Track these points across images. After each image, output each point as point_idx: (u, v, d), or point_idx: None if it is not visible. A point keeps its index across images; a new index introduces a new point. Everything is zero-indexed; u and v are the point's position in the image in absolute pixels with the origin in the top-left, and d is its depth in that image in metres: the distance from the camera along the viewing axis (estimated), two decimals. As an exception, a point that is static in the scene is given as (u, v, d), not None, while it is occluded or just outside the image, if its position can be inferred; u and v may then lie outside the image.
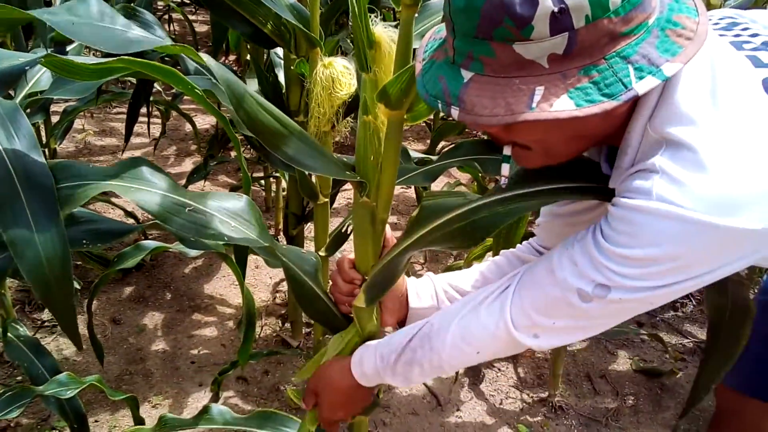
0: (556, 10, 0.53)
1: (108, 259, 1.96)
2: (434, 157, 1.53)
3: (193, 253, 1.46)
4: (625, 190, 0.62)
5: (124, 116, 2.15)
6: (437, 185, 2.43)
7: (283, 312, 2.02)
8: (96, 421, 1.56)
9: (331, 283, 0.92)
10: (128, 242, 2.02)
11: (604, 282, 0.63)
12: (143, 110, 2.17)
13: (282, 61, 1.64)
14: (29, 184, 0.76)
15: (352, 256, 0.88)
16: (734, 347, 0.97)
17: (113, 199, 2.35)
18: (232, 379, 1.73)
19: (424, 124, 3.41)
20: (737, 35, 0.68)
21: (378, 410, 1.66)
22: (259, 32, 1.37)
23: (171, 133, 3.22)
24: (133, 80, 2.49)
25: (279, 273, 2.19)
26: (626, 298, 0.63)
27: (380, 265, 0.83)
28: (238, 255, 1.25)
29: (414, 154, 1.65)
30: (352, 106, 1.23)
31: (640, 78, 0.56)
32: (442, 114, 3.64)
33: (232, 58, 3.81)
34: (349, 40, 2.39)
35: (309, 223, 1.76)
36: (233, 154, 2.87)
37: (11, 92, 1.31)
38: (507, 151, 0.67)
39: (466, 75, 0.59)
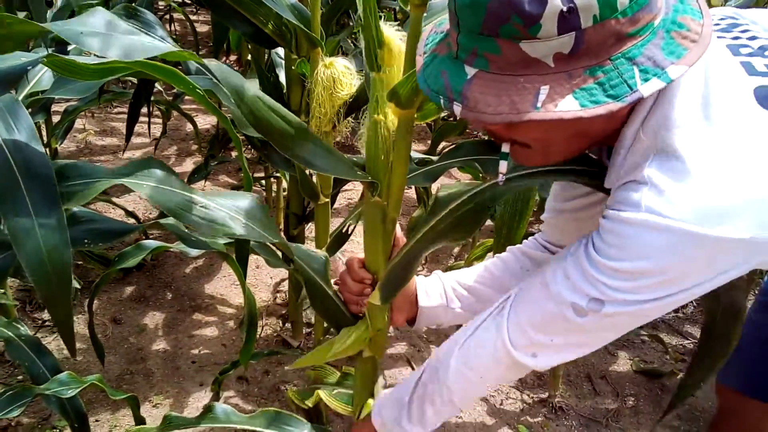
0: (564, 9, 0.53)
1: (109, 258, 1.96)
2: (435, 158, 1.53)
3: (194, 252, 1.46)
4: (616, 202, 0.63)
5: (125, 116, 2.15)
6: (437, 186, 2.43)
7: (283, 312, 2.02)
8: (97, 421, 1.56)
9: (339, 283, 0.92)
10: (129, 242, 2.02)
11: (597, 296, 0.63)
12: (144, 110, 2.17)
13: (283, 61, 1.64)
14: (29, 174, 0.76)
15: (360, 255, 0.88)
16: (725, 348, 0.97)
17: (114, 199, 2.35)
18: (232, 378, 1.73)
19: (425, 125, 3.42)
20: (736, 38, 0.68)
21: (378, 410, 1.66)
22: (260, 32, 1.37)
23: (172, 133, 3.22)
24: (134, 80, 2.49)
25: (279, 273, 2.20)
26: (620, 311, 0.63)
27: (395, 261, 0.83)
28: (239, 254, 1.25)
29: (415, 155, 1.65)
30: (352, 107, 1.23)
31: (646, 80, 0.55)
32: (443, 114, 3.65)
33: (233, 58, 3.82)
34: (350, 41, 2.39)
35: (310, 223, 1.76)
36: (234, 154, 2.87)
37: (13, 91, 1.31)
38: (506, 148, 0.67)
39: (470, 71, 0.58)
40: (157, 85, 2.32)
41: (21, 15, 1.61)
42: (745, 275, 0.64)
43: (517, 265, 0.95)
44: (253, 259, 2.11)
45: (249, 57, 2.36)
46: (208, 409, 1.08)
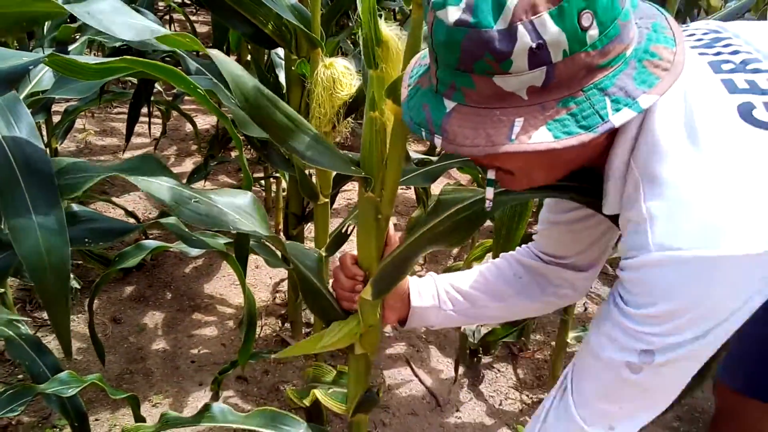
0: (534, 45, 0.54)
1: (109, 258, 1.96)
2: (434, 158, 1.54)
3: (194, 252, 1.46)
4: (627, 251, 0.63)
5: (125, 116, 2.16)
6: (437, 186, 2.43)
7: (283, 312, 2.03)
8: (96, 420, 1.57)
9: (332, 279, 0.93)
10: (129, 242, 2.02)
11: (644, 347, 0.63)
12: (144, 110, 2.18)
13: (283, 62, 1.65)
14: (29, 171, 0.77)
15: (354, 252, 0.89)
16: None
17: (114, 199, 2.35)
18: (231, 378, 1.73)
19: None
20: (718, 53, 0.69)
21: (378, 410, 1.66)
22: (260, 33, 1.37)
23: (171, 133, 3.22)
24: (134, 80, 2.50)
25: (279, 273, 2.20)
26: (671, 357, 0.62)
27: (390, 257, 0.84)
28: (239, 254, 1.26)
29: (414, 155, 1.66)
30: (352, 107, 1.24)
31: (617, 110, 0.57)
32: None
33: (232, 58, 3.82)
34: (349, 41, 2.39)
35: (309, 224, 1.76)
36: (233, 154, 2.87)
37: (14, 91, 1.31)
38: (491, 174, 0.68)
39: (449, 105, 0.60)
40: (156, 85, 2.32)
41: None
42: None
43: (510, 272, 0.95)
44: (253, 259, 2.11)
45: (249, 57, 2.36)
46: (205, 409, 1.08)
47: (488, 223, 2.41)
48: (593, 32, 0.55)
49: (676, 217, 0.58)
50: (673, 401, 0.69)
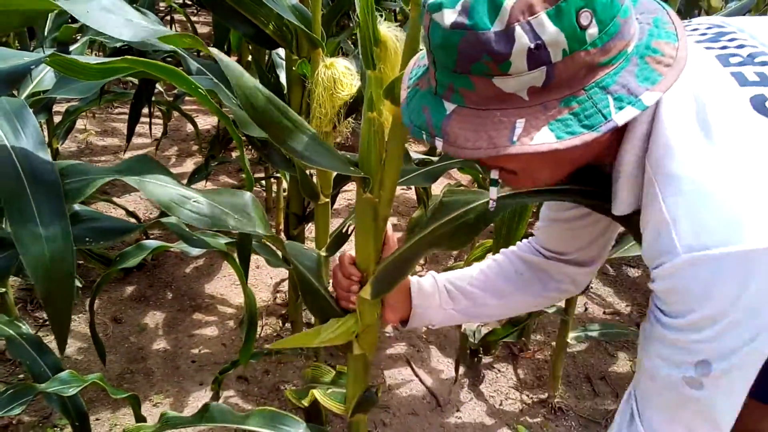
0: (532, 46, 0.53)
1: (110, 258, 1.97)
2: (435, 158, 1.54)
3: (195, 252, 1.46)
4: (654, 260, 0.61)
5: (126, 116, 2.16)
6: (438, 186, 2.43)
7: (283, 312, 2.03)
8: (97, 420, 1.57)
9: (331, 278, 0.93)
10: (130, 242, 2.02)
11: (699, 358, 0.60)
12: (145, 110, 2.18)
13: (283, 62, 1.65)
14: (36, 180, 0.77)
15: (354, 252, 0.89)
16: None
17: (115, 199, 2.36)
18: (232, 378, 1.74)
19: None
20: (724, 47, 0.68)
21: (378, 410, 1.67)
22: (261, 33, 1.37)
23: (172, 134, 3.23)
24: (135, 81, 2.50)
25: (280, 273, 2.20)
26: (729, 364, 0.60)
27: (391, 258, 0.84)
28: (241, 254, 1.26)
29: (415, 155, 1.66)
30: (353, 107, 1.24)
31: (620, 108, 0.56)
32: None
33: (233, 59, 3.82)
34: (350, 42, 2.39)
35: (310, 224, 1.76)
36: (234, 154, 2.87)
37: (15, 91, 1.32)
38: (494, 174, 0.67)
39: (449, 107, 0.59)
40: (157, 85, 2.33)
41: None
42: None
43: (511, 268, 0.95)
44: (254, 259, 2.10)
45: (250, 58, 2.37)
46: (205, 409, 1.09)
47: (489, 223, 2.41)
48: (593, 30, 0.55)
49: (698, 214, 0.57)
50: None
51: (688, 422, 0.66)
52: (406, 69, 0.69)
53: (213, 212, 0.85)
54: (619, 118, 0.56)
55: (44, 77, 1.30)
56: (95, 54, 3.32)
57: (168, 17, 4.27)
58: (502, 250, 1.00)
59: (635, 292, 2.29)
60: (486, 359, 1.89)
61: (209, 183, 2.74)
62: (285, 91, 1.58)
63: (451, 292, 0.94)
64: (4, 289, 1.47)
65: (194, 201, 0.83)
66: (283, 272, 2.16)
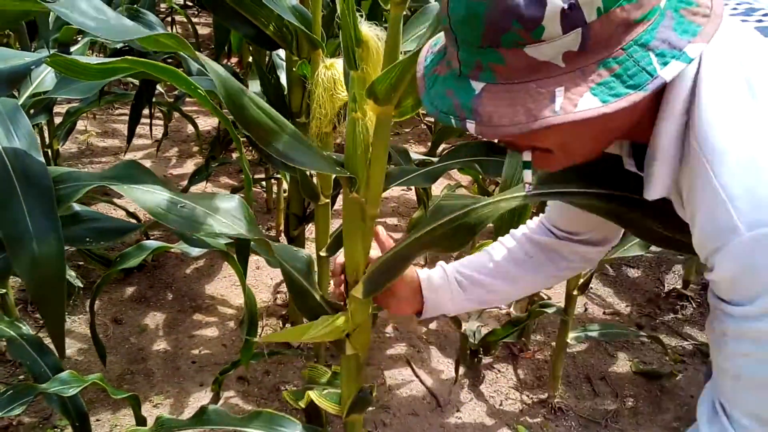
0: (565, 6, 0.50)
1: (110, 259, 1.97)
2: (435, 159, 1.54)
3: (195, 252, 1.47)
4: (709, 244, 0.57)
5: (127, 118, 2.16)
6: (438, 187, 2.43)
7: (284, 312, 2.03)
8: (98, 420, 1.57)
9: (332, 282, 0.93)
10: (130, 242, 2.03)
11: None
12: (145, 112, 2.18)
13: (284, 63, 1.65)
14: (28, 183, 0.77)
15: None
16: None
17: (115, 200, 2.36)
18: (232, 379, 1.74)
19: (425, 126, 3.42)
20: (759, 20, 0.65)
21: (378, 411, 1.67)
22: (262, 34, 1.38)
23: (173, 135, 3.23)
24: (136, 81, 2.50)
25: (280, 274, 2.20)
26: None
27: (384, 258, 0.84)
28: (240, 254, 1.26)
29: (415, 156, 1.67)
30: (353, 108, 1.24)
31: (664, 64, 0.53)
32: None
33: (234, 59, 3.83)
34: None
35: (310, 224, 1.77)
36: (234, 155, 2.88)
37: (16, 92, 1.32)
38: (527, 156, 0.63)
39: (477, 86, 0.56)
40: (158, 86, 2.33)
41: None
42: None
43: (521, 252, 0.93)
44: (254, 260, 2.11)
45: (250, 59, 2.37)
46: (201, 412, 1.09)
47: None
48: None
49: (757, 189, 0.53)
50: None
51: None
52: (419, 57, 0.66)
53: (200, 216, 0.85)
54: (666, 73, 0.52)
55: (45, 78, 1.30)
56: (96, 55, 3.32)
57: (169, 18, 4.27)
58: (511, 231, 0.97)
59: (635, 293, 2.29)
60: (486, 359, 1.89)
61: (210, 184, 2.74)
62: (285, 92, 1.58)
63: (461, 282, 0.93)
64: (4, 290, 1.47)
65: (181, 206, 0.83)
66: (284, 273, 2.16)
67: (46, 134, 2.12)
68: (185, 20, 3.47)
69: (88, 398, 1.61)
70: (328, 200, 1.48)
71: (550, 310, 1.65)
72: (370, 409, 1.65)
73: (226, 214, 0.88)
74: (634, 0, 0.53)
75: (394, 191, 2.76)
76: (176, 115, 2.98)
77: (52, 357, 1.25)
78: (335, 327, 0.89)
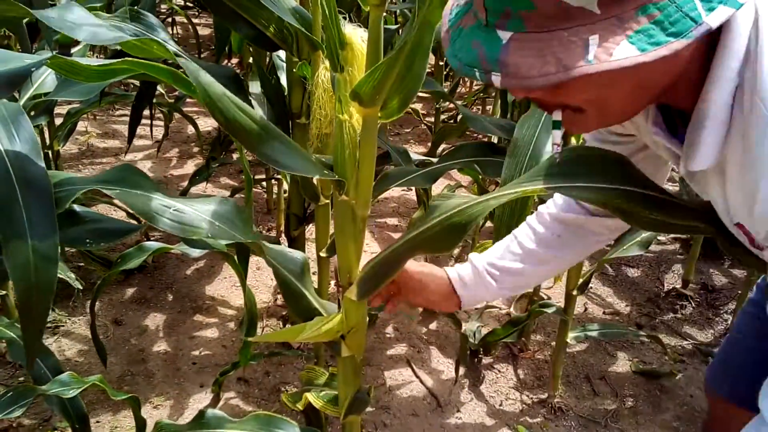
0: None
1: (110, 260, 1.97)
2: (435, 159, 1.54)
3: (195, 253, 1.47)
4: None
5: (127, 118, 2.17)
6: (438, 187, 2.43)
7: (284, 313, 2.03)
8: (98, 422, 1.57)
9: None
10: (130, 243, 2.03)
11: None
12: (146, 112, 2.19)
13: (284, 64, 1.66)
14: (28, 187, 0.77)
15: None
16: None
17: (116, 201, 2.36)
18: (233, 380, 1.74)
19: (425, 127, 3.43)
20: None
21: (378, 411, 1.67)
22: (262, 35, 1.38)
23: (173, 135, 3.23)
24: (136, 82, 2.51)
25: (280, 274, 2.20)
26: None
27: (377, 259, 0.84)
28: (241, 255, 1.26)
29: (415, 156, 1.67)
30: (353, 109, 1.24)
31: (710, 10, 0.49)
32: (443, 117, 3.65)
33: (234, 60, 3.83)
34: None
35: (310, 224, 1.77)
36: (235, 156, 2.88)
37: (16, 94, 1.32)
38: (557, 116, 0.60)
39: (504, 35, 0.52)
40: (159, 87, 2.33)
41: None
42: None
43: (549, 234, 0.92)
44: (254, 261, 2.11)
45: (251, 60, 2.37)
46: (200, 416, 1.09)
47: (488, 224, 2.41)
48: None
49: None
50: None
51: None
52: (444, 11, 0.62)
53: (194, 220, 0.85)
54: (712, 19, 0.49)
55: (46, 80, 1.30)
56: (96, 56, 3.32)
57: (169, 19, 4.28)
58: (538, 210, 0.95)
59: (634, 292, 2.29)
60: (486, 360, 1.90)
61: (210, 184, 2.74)
62: (286, 93, 1.58)
63: (493, 274, 0.93)
64: (4, 292, 1.47)
65: (174, 210, 0.83)
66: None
67: (46, 135, 2.12)
68: (186, 21, 3.47)
69: (88, 400, 1.61)
70: (328, 201, 1.49)
71: (549, 310, 1.65)
72: (370, 409, 1.65)
73: (220, 218, 0.88)
74: None
75: (395, 192, 2.76)
76: (177, 115, 2.98)
77: (52, 359, 1.25)
78: (330, 328, 0.89)
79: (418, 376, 1.82)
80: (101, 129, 3.29)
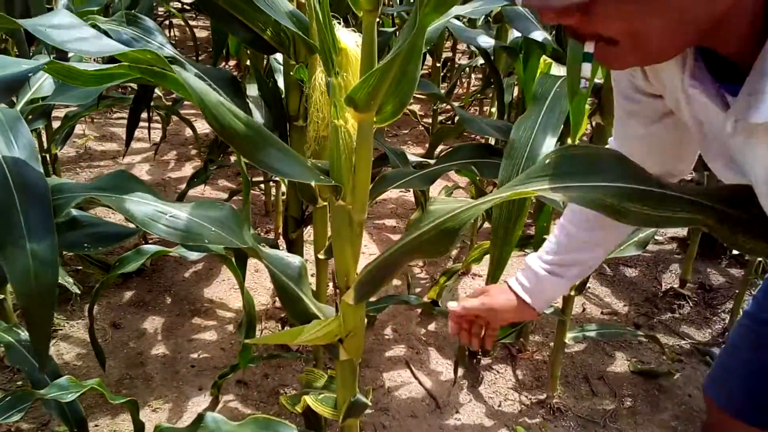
0: None
1: (108, 263, 1.97)
2: (432, 161, 1.55)
3: (194, 256, 1.47)
4: None
5: (125, 121, 2.16)
6: (435, 188, 2.44)
7: (282, 315, 2.03)
8: (96, 426, 1.57)
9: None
10: (128, 246, 2.03)
11: None
12: (144, 115, 2.19)
13: (281, 67, 1.66)
14: (26, 193, 0.77)
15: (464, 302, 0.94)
16: None
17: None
18: (231, 382, 1.74)
19: (423, 128, 3.43)
20: None
21: (377, 413, 1.67)
22: (259, 38, 1.38)
23: (171, 138, 3.23)
24: (134, 85, 2.51)
25: (278, 277, 2.20)
26: None
27: (374, 264, 0.84)
28: (239, 258, 1.27)
29: (412, 158, 1.67)
30: (350, 111, 1.25)
31: None
32: (441, 118, 3.65)
33: (232, 63, 3.84)
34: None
35: (309, 227, 1.77)
36: (233, 158, 2.88)
37: (14, 98, 1.32)
38: (589, 47, 0.56)
39: None
40: (156, 90, 2.33)
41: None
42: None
43: (582, 216, 0.93)
44: (252, 263, 2.11)
45: (248, 62, 2.38)
46: (198, 419, 1.09)
47: (486, 225, 2.42)
48: None
49: None
50: None
51: None
52: None
53: (190, 226, 0.85)
54: None
55: (43, 84, 1.31)
56: (94, 60, 3.32)
57: (167, 22, 4.28)
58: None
59: (632, 292, 2.30)
60: (485, 360, 1.90)
61: (208, 187, 2.75)
62: (283, 96, 1.58)
63: (552, 271, 0.94)
64: (2, 296, 1.47)
65: (170, 216, 0.84)
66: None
67: (44, 139, 2.12)
68: (183, 24, 3.48)
69: (87, 403, 1.61)
70: (326, 203, 1.49)
71: (548, 311, 1.66)
72: (369, 411, 1.66)
73: (216, 223, 0.88)
74: None
75: (393, 193, 2.77)
76: (174, 118, 2.98)
77: (51, 363, 1.25)
78: (327, 332, 0.89)
79: (416, 378, 1.82)
80: (99, 132, 3.29)
